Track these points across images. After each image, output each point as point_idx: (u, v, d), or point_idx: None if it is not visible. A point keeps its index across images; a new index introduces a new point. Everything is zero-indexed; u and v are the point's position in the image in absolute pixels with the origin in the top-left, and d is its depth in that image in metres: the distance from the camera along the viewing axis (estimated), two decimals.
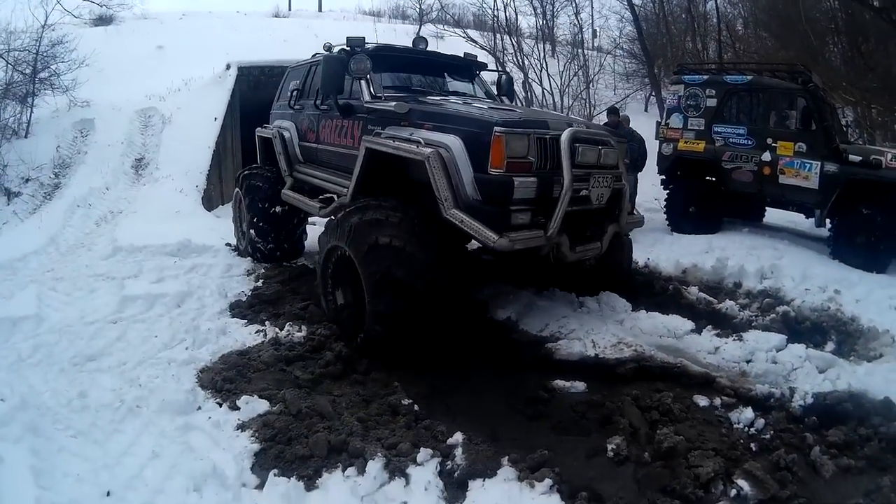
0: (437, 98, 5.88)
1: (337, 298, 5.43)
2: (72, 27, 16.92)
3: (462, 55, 7.34)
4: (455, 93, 6.57)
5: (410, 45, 6.91)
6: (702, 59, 20.05)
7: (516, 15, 21.94)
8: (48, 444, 3.62)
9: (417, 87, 6.42)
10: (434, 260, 4.58)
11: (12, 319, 5.45)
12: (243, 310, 6.14)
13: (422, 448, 3.57)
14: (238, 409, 4.06)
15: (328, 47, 6.45)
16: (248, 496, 3.26)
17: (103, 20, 22.09)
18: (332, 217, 5.36)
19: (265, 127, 8.31)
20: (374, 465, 3.40)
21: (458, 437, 3.71)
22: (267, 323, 5.68)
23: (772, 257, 7.86)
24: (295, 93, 7.44)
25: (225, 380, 4.47)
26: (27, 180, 11.03)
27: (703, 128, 9.73)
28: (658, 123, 10.73)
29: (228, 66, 15.66)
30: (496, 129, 4.43)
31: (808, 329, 6.09)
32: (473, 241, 5.19)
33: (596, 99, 19.52)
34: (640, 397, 4.41)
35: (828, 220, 8.81)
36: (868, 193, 8.20)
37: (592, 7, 26.86)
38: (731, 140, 9.46)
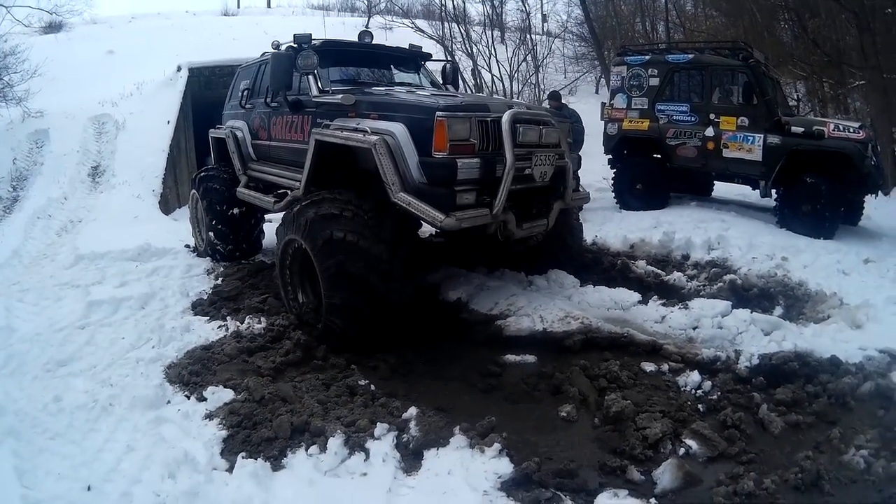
0: (383, 89, 6.01)
1: (296, 290, 5.56)
2: (22, 36, 16.75)
3: (407, 46, 7.46)
4: (401, 83, 6.70)
5: (356, 38, 7.05)
6: (651, 39, 20.32)
7: (464, 3, 22.08)
8: (28, 447, 3.73)
9: (364, 80, 6.54)
10: (388, 253, 4.70)
11: None
12: (205, 307, 6.24)
13: (378, 423, 3.72)
14: (205, 399, 4.19)
15: (276, 45, 6.54)
16: (219, 478, 3.39)
17: (53, 27, 21.73)
18: (290, 209, 5.45)
19: (218, 128, 8.37)
20: (335, 442, 3.55)
21: (412, 411, 3.88)
22: (228, 318, 5.78)
23: (719, 229, 7.99)
24: (246, 92, 7.49)
25: (191, 373, 4.58)
26: None
27: (646, 107, 9.96)
28: (603, 104, 10.89)
29: (179, 68, 15.55)
30: (438, 113, 4.57)
31: (755, 295, 6.20)
32: (424, 226, 5.35)
33: (546, 83, 19.66)
34: (589, 367, 4.56)
35: (773, 191, 9.03)
36: (812, 163, 8.45)
37: None
38: (674, 117, 9.70)
